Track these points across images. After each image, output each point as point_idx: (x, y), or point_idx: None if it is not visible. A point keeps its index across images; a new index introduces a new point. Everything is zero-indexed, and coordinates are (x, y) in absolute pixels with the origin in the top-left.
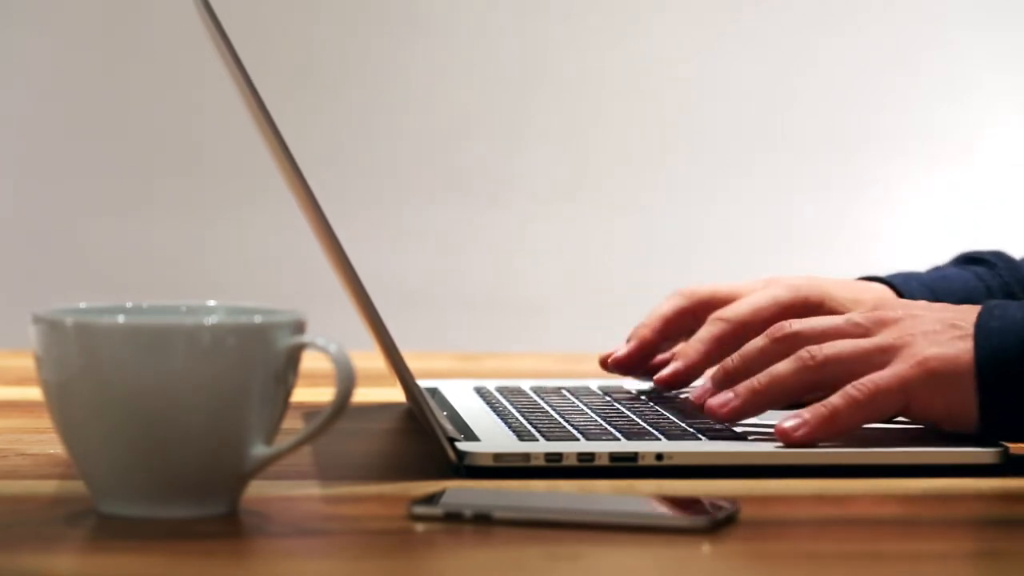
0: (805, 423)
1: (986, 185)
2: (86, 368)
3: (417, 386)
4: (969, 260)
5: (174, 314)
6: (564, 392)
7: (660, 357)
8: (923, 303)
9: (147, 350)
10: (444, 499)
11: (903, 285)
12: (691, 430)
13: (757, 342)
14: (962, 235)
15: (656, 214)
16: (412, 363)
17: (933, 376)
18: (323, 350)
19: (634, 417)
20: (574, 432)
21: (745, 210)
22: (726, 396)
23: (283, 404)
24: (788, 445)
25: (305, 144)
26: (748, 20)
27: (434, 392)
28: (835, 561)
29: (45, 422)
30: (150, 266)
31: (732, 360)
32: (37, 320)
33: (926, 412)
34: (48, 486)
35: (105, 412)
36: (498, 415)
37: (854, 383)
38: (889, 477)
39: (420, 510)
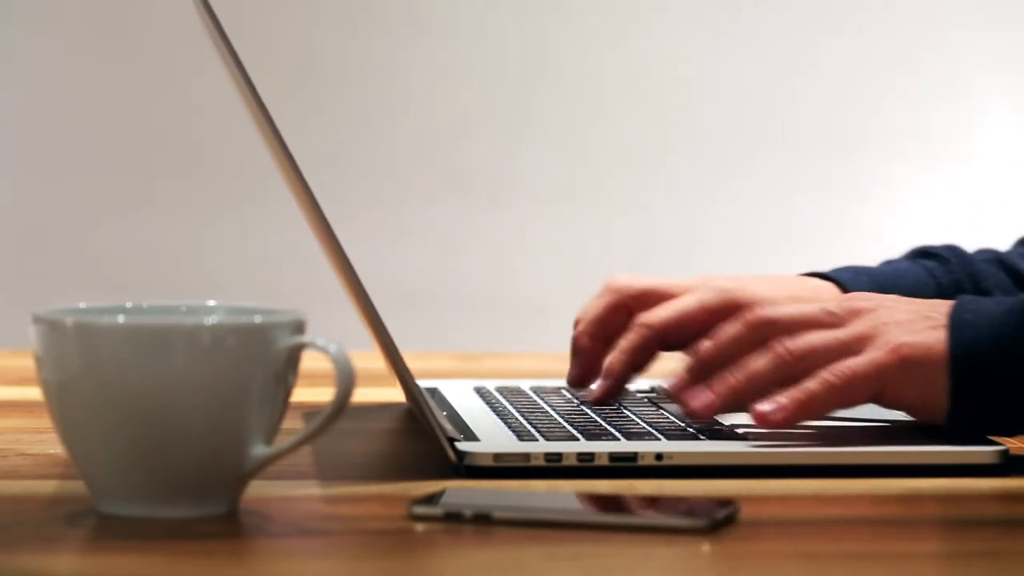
0: (782, 408)
1: (985, 185)
2: (86, 368)
3: (417, 386)
4: (922, 255)
5: (174, 314)
6: (564, 392)
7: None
8: (894, 296)
9: (147, 350)
10: (444, 499)
11: (851, 282)
12: (691, 430)
13: (730, 329)
14: (962, 235)
15: (656, 214)
16: (412, 363)
17: (907, 364)
18: (323, 350)
19: (634, 417)
20: (574, 432)
21: (745, 210)
22: (705, 394)
23: (283, 404)
24: (765, 427)
25: (305, 144)
26: (748, 20)
27: (434, 392)
28: (835, 561)
29: (45, 422)
30: (150, 266)
31: (706, 348)
32: (37, 320)
33: (898, 400)
34: (48, 486)
35: (105, 412)
36: (498, 415)
37: (830, 368)
38: (889, 477)
39: (420, 510)
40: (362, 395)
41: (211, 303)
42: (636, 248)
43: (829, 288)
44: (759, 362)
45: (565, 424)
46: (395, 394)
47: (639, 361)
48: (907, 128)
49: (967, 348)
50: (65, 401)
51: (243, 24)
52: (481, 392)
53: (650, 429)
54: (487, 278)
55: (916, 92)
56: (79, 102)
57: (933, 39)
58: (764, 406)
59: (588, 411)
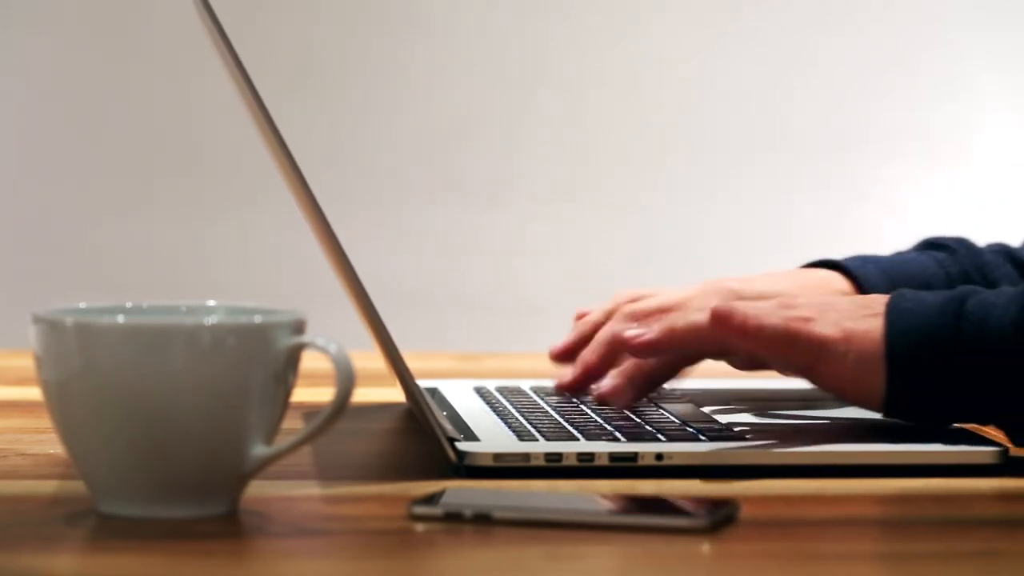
0: (726, 312)
1: (985, 185)
2: (86, 368)
3: (417, 386)
4: (931, 245)
5: (174, 314)
6: (564, 392)
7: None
8: (831, 295)
9: (147, 350)
10: (444, 499)
11: (859, 269)
12: (691, 430)
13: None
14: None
15: (656, 214)
16: (412, 363)
17: (849, 343)
18: (323, 350)
19: (634, 417)
20: (574, 432)
21: (745, 210)
22: (640, 329)
23: (283, 404)
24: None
25: (305, 144)
26: (748, 20)
27: (434, 392)
28: (835, 561)
29: (45, 422)
30: (150, 266)
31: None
32: (37, 320)
33: (835, 377)
34: (48, 486)
35: (105, 412)
36: (498, 415)
37: (785, 318)
38: (889, 477)
39: (420, 510)
40: (362, 395)
41: (211, 303)
42: (636, 248)
43: (838, 280)
44: (698, 314)
45: (565, 424)
46: (395, 394)
47: (612, 356)
48: (907, 128)
49: (904, 333)
50: (65, 401)
51: (243, 24)
52: (481, 392)
53: (650, 429)
54: (487, 278)
55: (916, 92)
56: (79, 102)
57: (933, 39)
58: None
59: (588, 411)
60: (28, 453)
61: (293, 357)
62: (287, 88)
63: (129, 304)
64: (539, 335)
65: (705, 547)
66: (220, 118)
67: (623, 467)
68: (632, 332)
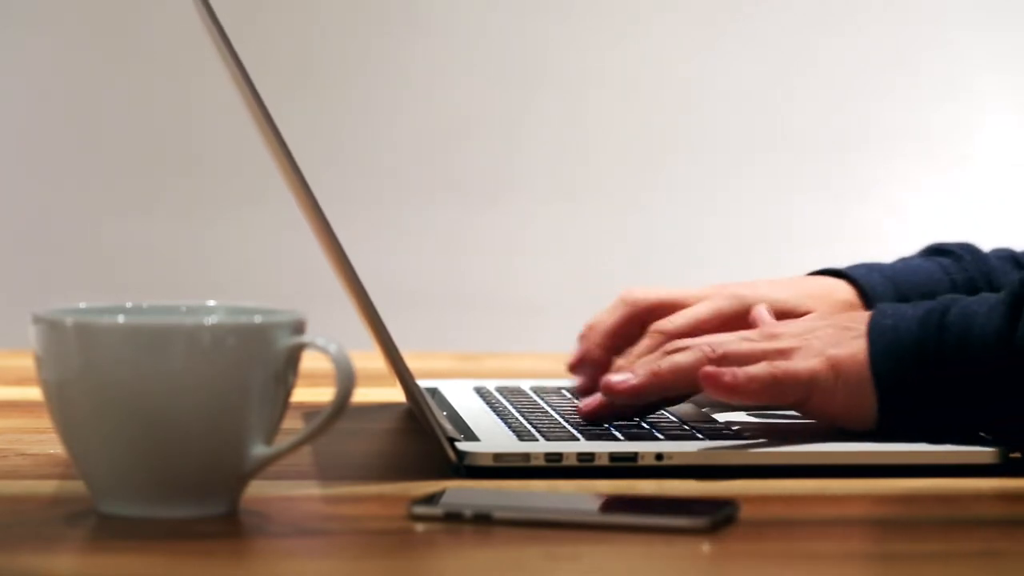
0: (733, 374)
1: (985, 185)
2: (86, 368)
3: (417, 386)
4: (936, 252)
5: (174, 314)
6: (564, 392)
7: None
8: (813, 316)
9: (147, 350)
10: (444, 499)
11: (864, 277)
12: (691, 430)
13: (647, 342)
14: (962, 235)
15: (656, 214)
16: (412, 363)
17: (836, 371)
18: (323, 350)
19: (634, 417)
20: (574, 432)
21: (745, 210)
22: (625, 375)
23: (283, 404)
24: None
25: (305, 144)
26: (748, 20)
27: (434, 392)
28: (835, 561)
29: (45, 422)
30: (150, 266)
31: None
32: (37, 320)
33: (824, 407)
34: (48, 486)
35: (105, 412)
36: (498, 415)
37: (770, 362)
38: (889, 477)
39: (420, 510)
40: (362, 395)
41: (211, 303)
42: (636, 248)
43: (843, 288)
44: (682, 356)
45: (565, 424)
46: (395, 394)
47: None
48: (907, 128)
49: (885, 356)
50: (65, 401)
51: (243, 24)
52: (481, 392)
53: (650, 429)
54: (487, 278)
55: (916, 92)
56: (79, 102)
57: (933, 39)
58: (722, 372)
59: None
60: (28, 453)
61: (293, 357)
62: (287, 88)
63: (129, 304)
64: (539, 335)
65: (705, 547)
66: (220, 118)
67: (623, 467)
68: (617, 378)
